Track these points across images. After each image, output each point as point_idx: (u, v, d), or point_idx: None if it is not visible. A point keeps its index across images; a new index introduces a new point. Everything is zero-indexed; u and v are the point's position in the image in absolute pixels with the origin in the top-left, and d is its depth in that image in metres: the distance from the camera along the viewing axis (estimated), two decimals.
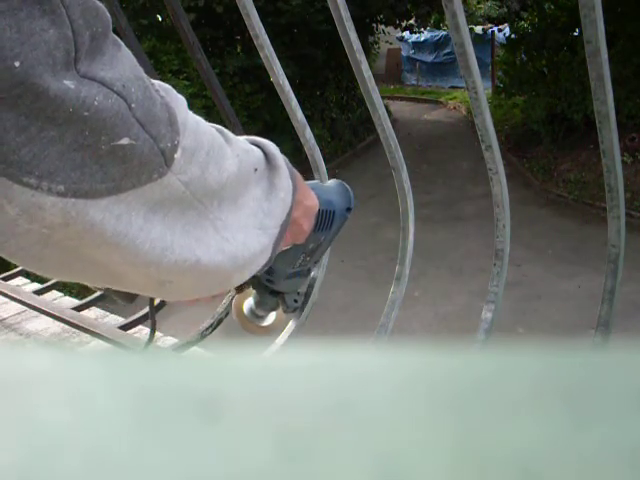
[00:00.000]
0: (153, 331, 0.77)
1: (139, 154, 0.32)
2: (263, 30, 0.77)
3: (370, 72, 0.76)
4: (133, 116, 0.31)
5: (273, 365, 0.13)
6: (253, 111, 7.84)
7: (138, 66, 0.33)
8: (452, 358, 0.12)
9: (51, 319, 1.31)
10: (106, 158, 0.31)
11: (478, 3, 13.99)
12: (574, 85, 7.58)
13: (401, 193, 0.87)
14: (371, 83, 0.77)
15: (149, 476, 0.10)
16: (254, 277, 0.57)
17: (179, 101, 0.36)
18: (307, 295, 0.92)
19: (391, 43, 12.84)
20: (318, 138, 0.92)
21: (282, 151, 0.48)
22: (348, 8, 0.71)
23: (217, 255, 0.39)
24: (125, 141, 0.31)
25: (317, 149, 0.88)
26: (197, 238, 0.38)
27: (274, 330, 0.70)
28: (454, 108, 12.20)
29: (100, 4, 0.30)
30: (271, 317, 0.69)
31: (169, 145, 0.34)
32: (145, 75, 0.34)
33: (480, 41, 12.02)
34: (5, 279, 1.51)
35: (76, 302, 1.38)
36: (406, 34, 13.52)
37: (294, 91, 0.83)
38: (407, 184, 0.86)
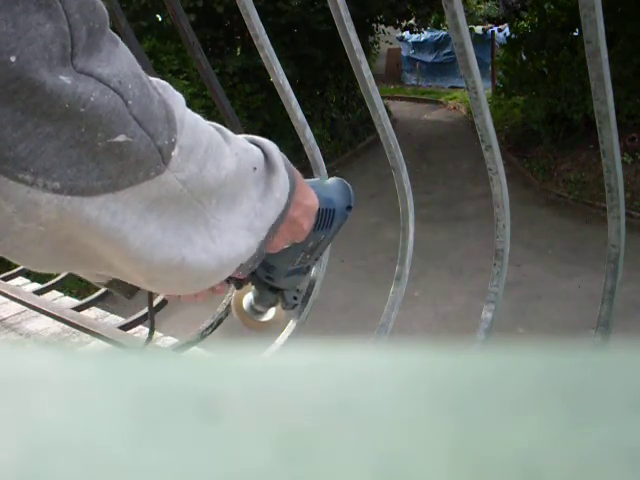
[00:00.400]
0: (152, 329, 0.77)
1: (136, 151, 0.32)
2: (263, 30, 0.77)
3: (370, 72, 0.76)
4: (130, 113, 0.31)
5: (273, 365, 0.13)
6: (253, 111, 7.84)
7: (136, 63, 0.33)
8: (452, 358, 0.12)
9: (51, 319, 1.31)
10: (102, 155, 0.31)
11: (478, 3, 13.99)
12: (574, 85, 7.58)
13: (401, 193, 0.87)
14: (371, 83, 0.77)
15: (149, 476, 0.10)
16: (253, 273, 0.57)
17: (177, 98, 0.36)
18: (308, 292, 0.92)
19: (391, 43, 12.84)
20: (318, 138, 0.92)
21: (282, 151, 0.48)
22: (348, 8, 0.71)
23: (202, 254, 0.39)
24: (121, 138, 0.31)
25: (317, 149, 0.88)
26: (187, 237, 0.38)
27: (274, 326, 0.70)
28: (454, 108, 12.20)
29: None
30: (270, 313, 0.69)
31: (166, 143, 0.33)
32: (143, 72, 0.33)
33: (480, 41, 12.02)
34: (5, 279, 1.51)
35: (76, 302, 1.38)
36: (406, 34, 13.52)
37: (294, 91, 0.83)
38: (407, 184, 0.86)
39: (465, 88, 0.68)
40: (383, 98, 0.81)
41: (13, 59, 0.26)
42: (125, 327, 1.20)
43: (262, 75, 7.35)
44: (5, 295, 1.39)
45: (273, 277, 0.60)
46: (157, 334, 1.26)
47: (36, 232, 0.32)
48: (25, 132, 0.28)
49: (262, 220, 0.44)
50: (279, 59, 0.80)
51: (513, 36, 9.03)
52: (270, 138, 0.48)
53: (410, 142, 9.21)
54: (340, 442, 0.10)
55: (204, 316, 1.07)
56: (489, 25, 13.37)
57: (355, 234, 5.74)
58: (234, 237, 0.41)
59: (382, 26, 10.53)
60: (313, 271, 0.64)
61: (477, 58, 0.66)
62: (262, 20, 0.77)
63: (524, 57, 8.68)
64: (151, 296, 0.65)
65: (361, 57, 0.74)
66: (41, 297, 1.37)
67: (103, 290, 1.31)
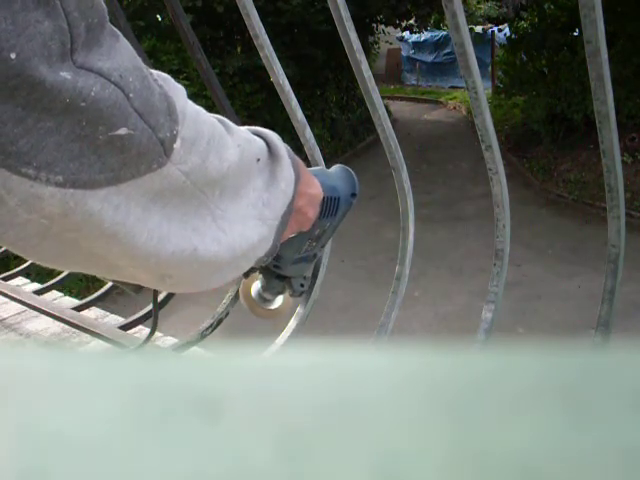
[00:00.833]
0: (154, 327, 0.77)
1: (137, 144, 0.32)
2: (263, 30, 0.77)
3: (370, 72, 0.76)
4: (131, 106, 0.31)
5: (273, 365, 0.13)
6: (253, 111, 7.85)
7: (136, 56, 0.33)
8: (452, 358, 0.12)
9: (51, 319, 1.31)
10: (104, 148, 0.31)
11: (478, 3, 13.99)
12: (574, 85, 7.58)
13: (401, 193, 0.87)
14: (371, 83, 0.77)
15: (149, 476, 0.10)
16: None
17: (178, 90, 0.36)
18: (314, 277, 0.92)
19: (391, 43, 12.84)
20: (318, 138, 0.92)
21: None
22: (348, 8, 0.71)
23: (213, 245, 0.39)
24: (123, 131, 0.31)
25: (317, 149, 0.88)
26: (195, 228, 0.38)
27: (282, 313, 0.70)
28: (454, 108, 12.20)
29: None
30: (278, 300, 0.69)
31: (168, 135, 0.33)
32: (143, 65, 0.33)
33: (480, 41, 12.02)
34: (5, 279, 1.51)
35: (76, 302, 1.38)
36: (406, 34, 13.53)
37: (294, 91, 0.83)
38: (407, 184, 0.86)
39: (465, 88, 0.68)
40: (383, 98, 0.81)
41: (13, 56, 0.27)
42: (125, 327, 1.20)
43: (262, 75, 7.35)
44: (5, 295, 1.39)
45: (280, 265, 0.61)
46: (157, 334, 1.26)
47: (39, 225, 0.32)
48: (26, 127, 0.28)
49: (271, 210, 0.44)
50: (279, 59, 0.80)
51: (513, 36, 9.03)
52: None
53: (410, 142, 9.21)
54: (340, 442, 0.10)
55: (204, 316, 1.07)
56: (489, 25, 13.36)
57: (355, 234, 5.74)
58: (243, 227, 0.41)
59: (382, 26, 10.53)
60: (318, 255, 0.64)
61: (477, 58, 0.66)
62: (262, 20, 0.77)
63: (524, 57, 8.68)
64: (156, 294, 0.65)
65: (361, 57, 0.74)
66: (41, 297, 1.37)
67: (103, 290, 1.31)
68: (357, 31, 0.74)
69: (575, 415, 0.10)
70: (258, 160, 0.43)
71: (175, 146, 0.34)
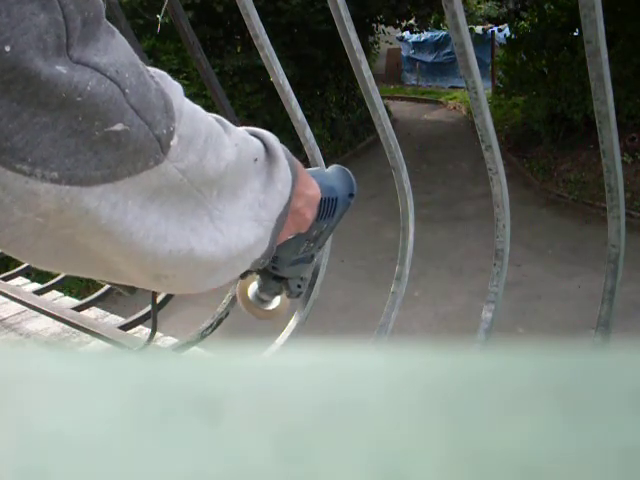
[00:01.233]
0: (154, 328, 0.77)
1: (134, 140, 0.32)
2: (263, 30, 0.77)
3: (370, 72, 0.76)
4: (127, 102, 0.31)
5: (273, 365, 0.13)
6: (253, 111, 7.85)
7: (132, 52, 0.33)
8: (452, 358, 0.12)
9: (51, 319, 1.31)
10: (100, 144, 0.31)
11: (478, 3, 13.99)
12: (574, 85, 7.58)
13: (401, 193, 0.87)
14: (371, 83, 0.77)
15: (149, 476, 0.10)
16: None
17: (174, 87, 0.35)
18: (314, 277, 0.92)
19: (391, 43, 12.84)
20: (318, 138, 0.92)
21: None
22: (348, 8, 0.71)
23: (210, 246, 0.39)
24: (119, 127, 0.31)
25: (317, 149, 0.88)
26: (192, 228, 0.37)
27: (279, 314, 0.70)
28: (454, 108, 12.20)
29: None
30: (276, 301, 0.69)
31: (164, 132, 0.33)
32: (140, 61, 0.33)
33: (480, 41, 12.02)
34: (5, 279, 1.51)
35: (76, 302, 1.38)
36: (406, 34, 13.53)
37: (294, 91, 0.83)
38: (407, 184, 0.86)
39: (465, 88, 0.68)
40: (383, 98, 0.81)
41: (8, 49, 0.26)
42: (125, 327, 1.20)
43: (262, 75, 7.36)
44: (5, 295, 1.39)
45: (277, 266, 0.60)
46: (157, 334, 1.25)
47: (35, 223, 0.31)
48: (21, 122, 0.28)
49: (267, 211, 0.43)
50: (279, 59, 0.80)
51: (513, 36, 9.03)
52: None
53: (410, 142, 9.21)
54: (339, 442, 0.10)
55: (204, 316, 1.08)
56: (489, 25, 13.36)
57: (355, 234, 5.74)
58: (240, 228, 0.41)
59: (382, 26, 10.53)
60: (316, 257, 0.64)
61: (477, 58, 0.66)
62: (262, 20, 0.77)
63: (524, 57, 8.68)
64: (155, 295, 0.65)
65: (361, 57, 0.74)
66: (41, 297, 1.37)
67: (103, 290, 1.31)
68: (357, 31, 0.74)
69: (575, 415, 0.10)
70: (255, 160, 0.43)
71: (172, 143, 0.34)
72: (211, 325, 1.04)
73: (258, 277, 0.65)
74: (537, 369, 0.12)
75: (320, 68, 8.95)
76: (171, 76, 0.37)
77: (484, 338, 0.83)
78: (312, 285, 0.93)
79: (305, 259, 0.62)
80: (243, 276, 0.61)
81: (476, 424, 0.11)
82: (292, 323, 0.96)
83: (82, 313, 1.30)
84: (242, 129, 0.45)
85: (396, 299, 0.93)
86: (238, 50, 8.05)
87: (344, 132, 9.55)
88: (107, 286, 1.29)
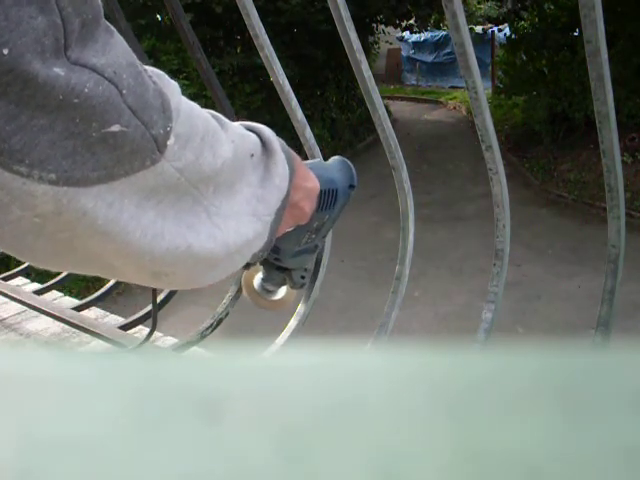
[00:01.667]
0: (154, 326, 0.77)
1: (131, 141, 0.32)
2: (263, 30, 0.77)
3: (370, 72, 0.76)
4: (124, 102, 0.31)
5: (273, 365, 0.13)
6: (253, 111, 7.84)
7: (131, 52, 0.33)
8: (452, 358, 0.12)
9: (51, 319, 1.31)
10: (97, 146, 0.31)
11: (478, 3, 13.99)
12: (574, 85, 7.58)
13: (401, 193, 0.87)
14: (371, 83, 0.77)
15: (149, 476, 0.10)
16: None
17: (172, 87, 0.35)
18: (314, 276, 0.92)
19: (391, 43, 12.84)
20: (318, 138, 0.92)
21: None
22: (348, 8, 0.71)
23: (208, 242, 0.39)
24: (116, 128, 0.31)
25: (317, 149, 0.88)
26: (189, 225, 0.37)
27: (285, 304, 0.70)
28: (454, 108, 12.19)
29: None
30: (282, 291, 0.69)
31: (161, 132, 0.33)
32: (138, 62, 0.33)
33: (480, 41, 12.03)
34: (5, 279, 1.51)
35: (76, 302, 1.38)
36: (406, 34, 13.53)
37: (294, 91, 0.83)
38: (407, 184, 0.86)
39: (465, 88, 0.68)
40: (383, 98, 0.81)
41: (6, 51, 0.26)
42: (125, 327, 1.20)
43: (262, 75, 7.36)
44: (5, 295, 1.39)
45: (280, 258, 0.61)
46: (157, 334, 1.26)
47: (32, 223, 0.31)
48: (19, 124, 0.28)
49: (265, 206, 0.44)
50: (279, 59, 0.80)
51: (513, 36, 9.03)
52: None
53: (410, 142, 9.21)
54: (340, 442, 0.10)
55: (204, 316, 1.08)
56: (489, 25, 13.36)
57: (355, 234, 5.74)
58: (238, 224, 0.41)
59: (382, 26, 10.53)
60: (319, 246, 0.64)
61: (477, 58, 0.66)
62: (262, 20, 0.77)
63: (524, 57, 8.68)
64: (155, 294, 0.65)
65: (361, 57, 0.74)
66: (41, 297, 1.38)
67: (103, 290, 1.31)
68: (357, 31, 0.74)
69: (575, 415, 0.10)
70: (252, 156, 0.43)
71: (169, 143, 0.34)
72: (211, 325, 1.04)
73: (262, 268, 0.65)
74: (537, 369, 0.12)
75: (320, 68, 8.95)
76: (171, 76, 0.37)
77: (484, 338, 0.83)
78: (312, 285, 0.93)
79: (308, 250, 0.62)
80: (245, 267, 0.61)
81: (476, 424, 0.10)
82: (292, 323, 0.96)
83: (82, 313, 1.30)
84: (238, 124, 0.45)
85: (396, 299, 0.93)
86: (238, 50, 8.05)
87: (344, 132, 9.55)
88: (107, 286, 1.29)
